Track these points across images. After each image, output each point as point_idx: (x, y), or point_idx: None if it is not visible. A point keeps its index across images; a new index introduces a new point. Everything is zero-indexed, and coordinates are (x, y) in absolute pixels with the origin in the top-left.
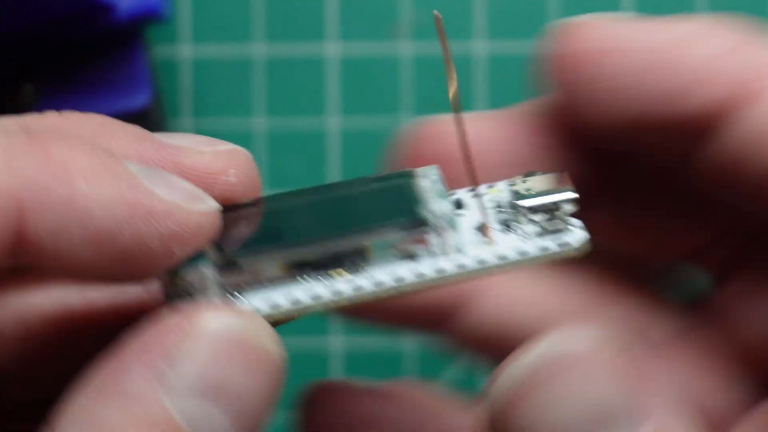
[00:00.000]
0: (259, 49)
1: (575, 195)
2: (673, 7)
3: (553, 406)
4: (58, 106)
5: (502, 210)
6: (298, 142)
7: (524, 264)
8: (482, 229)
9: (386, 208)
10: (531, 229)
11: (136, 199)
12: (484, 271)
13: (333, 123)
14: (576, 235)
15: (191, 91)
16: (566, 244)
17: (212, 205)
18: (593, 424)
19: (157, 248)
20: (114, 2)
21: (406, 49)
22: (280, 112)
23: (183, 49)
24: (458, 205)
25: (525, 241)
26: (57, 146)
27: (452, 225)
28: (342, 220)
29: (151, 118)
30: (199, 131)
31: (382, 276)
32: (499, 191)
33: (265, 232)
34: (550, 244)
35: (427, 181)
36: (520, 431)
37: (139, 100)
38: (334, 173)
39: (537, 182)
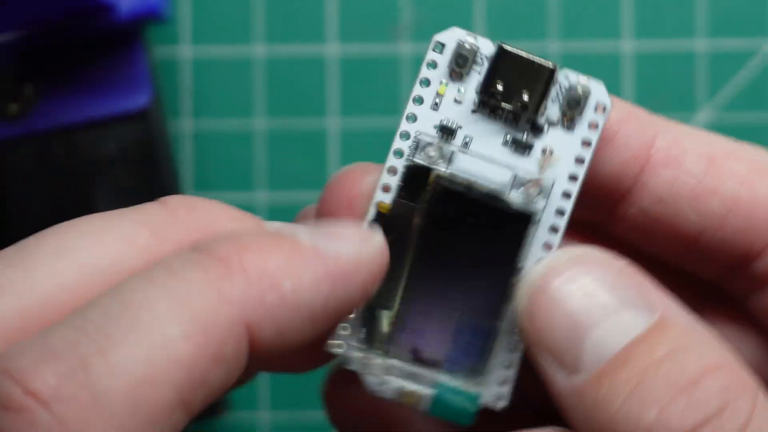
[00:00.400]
0: (259, 49)
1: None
2: (673, 6)
3: (574, 294)
4: (58, 105)
5: (495, 106)
6: (298, 142)
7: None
8: (520, 145)
9: (490, 225)
10: (554, 113)
11: (329, 270)
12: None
13: (333, 123)
14: (596, 90)
15: (191, 91)
16: (601, 105)
17: (379, 239)
18: (605, 312)
19: (357, 297)
20: (114, 2)
21: (406, 49)
22: (280, 112)
23: (183, 49)
24: (446, 131)
25: (569, 133)
26: (242, 257)
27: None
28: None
29: (151, 118)
30: (199, 131)
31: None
32: (448, 89)
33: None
34: (593, 117)
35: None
36: (543, 315)
37: (139, 100)
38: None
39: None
